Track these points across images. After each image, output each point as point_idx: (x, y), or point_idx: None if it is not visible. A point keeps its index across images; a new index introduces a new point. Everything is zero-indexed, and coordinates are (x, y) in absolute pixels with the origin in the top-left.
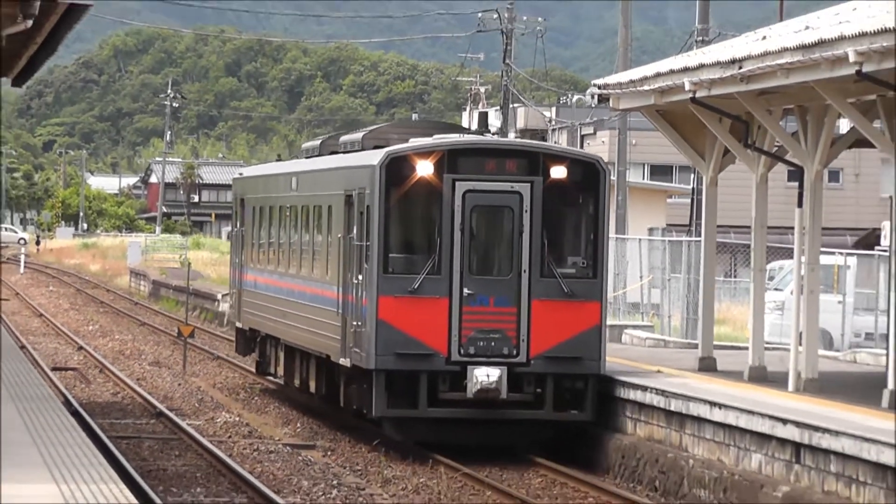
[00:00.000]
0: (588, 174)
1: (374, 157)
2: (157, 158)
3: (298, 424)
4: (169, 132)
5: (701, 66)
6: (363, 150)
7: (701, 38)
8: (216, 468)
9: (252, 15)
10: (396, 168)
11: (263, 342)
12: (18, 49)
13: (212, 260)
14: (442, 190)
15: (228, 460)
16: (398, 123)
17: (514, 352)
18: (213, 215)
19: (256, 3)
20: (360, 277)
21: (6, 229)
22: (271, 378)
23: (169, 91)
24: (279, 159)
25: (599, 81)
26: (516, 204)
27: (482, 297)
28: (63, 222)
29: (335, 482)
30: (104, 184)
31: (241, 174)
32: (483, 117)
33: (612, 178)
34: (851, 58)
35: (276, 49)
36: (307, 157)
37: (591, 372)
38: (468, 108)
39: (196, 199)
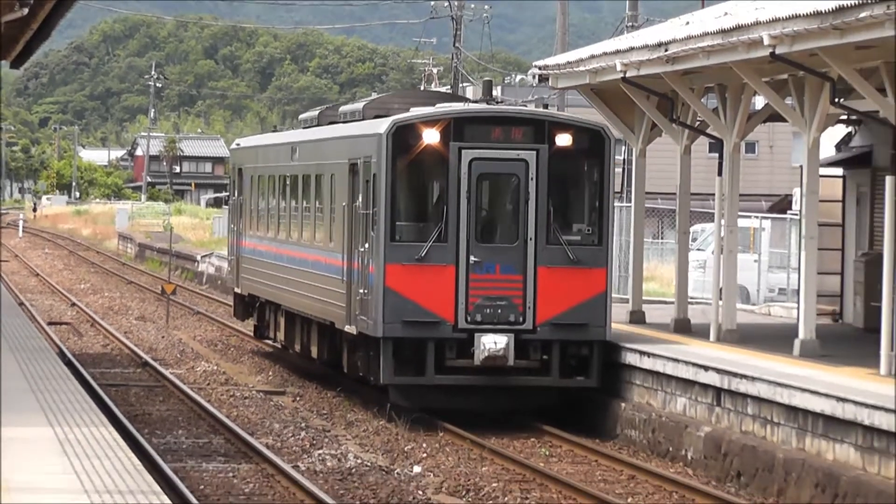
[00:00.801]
0: (593, 142)
1: (381, 126)
2: (142, 133)
3: (270, 373)
4: (153, 109)
5: (631, 49)
6: (364, 119)
7: (631, 24)
8: (196, 412)
9: (227, 4)
10: (403, 136)
11: (262, 307)
12: (16, 34)
13: (192, 225)
14: (448, 158)
15: (207, 405)
16: (399, 93)
17: (521, 319)
18: (193, 185)
19: None
20: (367, 245)
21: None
22: (269, 342)
23: (153, 72)
24: (275, 130)
25: (540, 63)
26: (522, 172)
27: (488, 265)
28: (57, 191)
29: (303, 425)
30: (94, 156)
31: (238, 144)
32: (487, 85)
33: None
34: (766, 41)
35: (249, 34)
36: (305, 128)
37: (597, 338)
38: (423, 88)
39: (177, 169)
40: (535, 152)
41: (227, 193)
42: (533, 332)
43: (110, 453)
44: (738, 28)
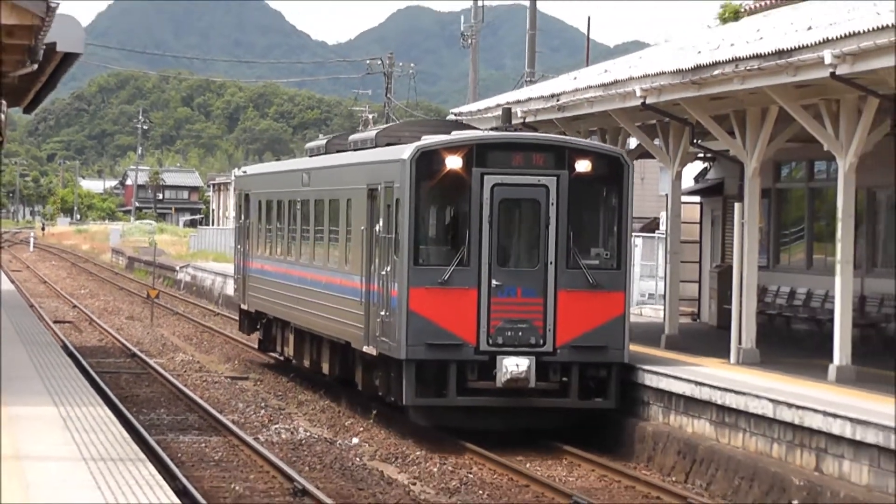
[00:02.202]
0: (612, 167)
1: (404, 152)
2: (132, 167)
3: (236, 362)
4: (140, 147)
5: (529, 99)
6: (377, 146)
7: (529, 79)
8: (175, 394)
9: (201, 61)
10: (426, 162)
11: (269, 323)
12: (27, 86)
13: (172, 241)
14: (470, 183)
15: (184, 388)
16: (410, 122)
17: (542, 341)
18: (173, 209)
19: (204, 52)
20: (389, 269)
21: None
22: (274, 356)
23: (140, 117)
24: (278, 160)
25: (456, 110)
26: (543, 197)
27: (510, 288)
28: (61, 214)
29: (263, 404)
30: (92, 185)
31: (244, 172)
32: (507, 113)
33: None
34: (638, 93)
35: (219, 86)
36: (312, 156)
37: (616, 360)
38: (361, 131)
39: (160, 196)
40: (555, 178)
41: (202, 216)
42: (553, 355)
43: (104, 428)
44: (616, 83)
